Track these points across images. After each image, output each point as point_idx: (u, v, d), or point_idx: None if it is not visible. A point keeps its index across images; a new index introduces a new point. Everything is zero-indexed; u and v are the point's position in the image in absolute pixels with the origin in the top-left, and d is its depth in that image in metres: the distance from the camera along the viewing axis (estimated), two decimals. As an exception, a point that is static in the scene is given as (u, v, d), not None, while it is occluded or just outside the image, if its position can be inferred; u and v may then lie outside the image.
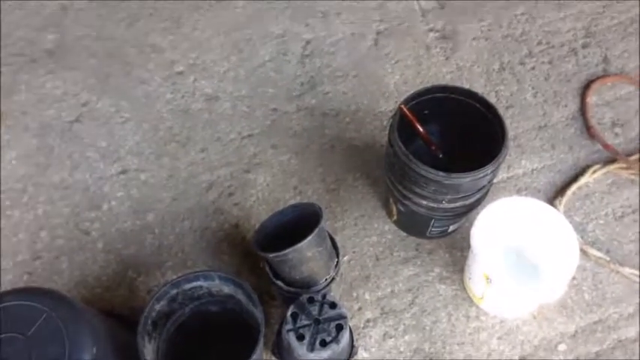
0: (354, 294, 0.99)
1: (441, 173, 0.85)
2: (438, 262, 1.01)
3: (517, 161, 1.14)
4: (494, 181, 1.07)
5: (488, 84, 1.26)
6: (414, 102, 0.94)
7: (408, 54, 1.31)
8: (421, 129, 0.94)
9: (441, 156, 0.97)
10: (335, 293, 0.97)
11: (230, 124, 1.21)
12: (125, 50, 1.32)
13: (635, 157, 1.10)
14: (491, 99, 1.23)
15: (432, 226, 0.98)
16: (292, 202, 1.07)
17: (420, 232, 1.02)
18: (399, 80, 1.27)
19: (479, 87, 1.25)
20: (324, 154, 1.16)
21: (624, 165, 1.08)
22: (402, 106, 0.91)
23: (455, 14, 1.37)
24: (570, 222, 0.90)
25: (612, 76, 1.23)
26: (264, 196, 1.10)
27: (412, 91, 0.95)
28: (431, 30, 1.35)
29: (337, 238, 0.93)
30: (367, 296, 0.99)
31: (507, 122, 1.16)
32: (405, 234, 1.05)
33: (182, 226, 1.07)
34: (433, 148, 0.97)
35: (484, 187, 0.91)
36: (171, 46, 1.33)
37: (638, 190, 1.08)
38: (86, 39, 1.34)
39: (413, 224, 1.02)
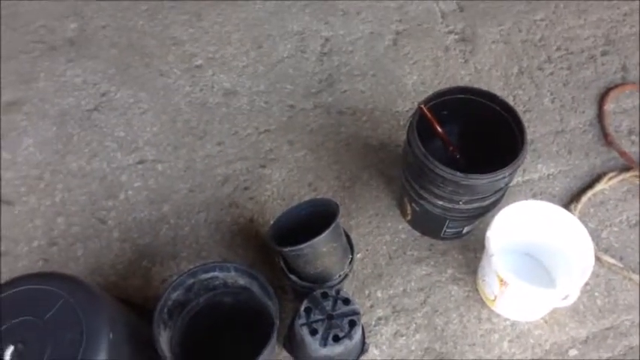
0: (367, 291, 0.99)
1: (458, 174, 0.85)
2: (451, 263, 1.02)
3: (533, 165, 1.14)
4: (510, 184, 1.08)
5: (507, 88, 1.26)
6: (433, 102, 0.94)
7: (427, 55, 1.31)
8: (440, 129, 0.94)
9: (458, 157, 0.98)
10: (347, 290, 0.97)
11: (247, 119, 1.21)
12: (145, 42, 1.33)
13: (652, 165, 1.10)
14: (510, 102, 1.23)
15: (447, 227, 0.99)
16: (307, 198, 1.08)
17: (434, 232, 1.03)
18: (416, 80, 1.27)
19: (497, 90, 1.25)
20: (340, 152, 1.16)
21: (640, 173, 1.08)
22: (422, 106, 0.91)
23: (474, 17, 1.37)
24: (585, 228, 0.90)
25: (630, 85, 1.23)
26: (279, 191, 1.11)
27: (431, 92, 0.95)
28: (450, 32, 1.35)
29: (351, 236, 0.93)
30: (379, 294, 0.99)
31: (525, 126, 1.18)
32: (418, 234, 1.05)
33: (197, 217, 1.07)
34: (451, 148, 0.97)
35: (501, 189, 0.91)
36: (192, 39, 1.33)
37: (653, 198, 1.08)
38: (107, 29, 1.35)
39: (427, 224, 1.02)
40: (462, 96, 0.96)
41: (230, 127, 1.20)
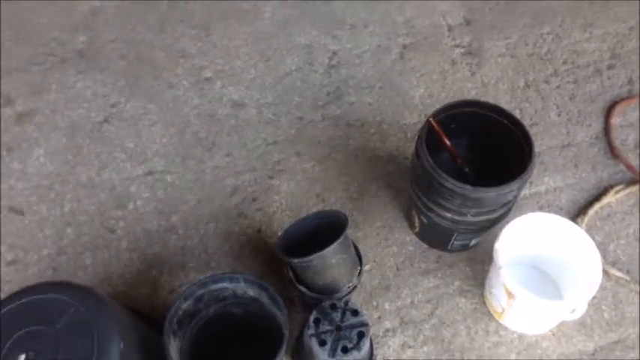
0: (374, 303, 0.99)
1: (467, 186, 0.86)
2: (458, 275, 1.02)
3: (540, 178, 1.14)
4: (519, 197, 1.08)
5: (513, 101, 1.27)
6: (442, 115, 0.95)
7: (434, 68, 1.32)
8: (448, 142, 0.95)
9: (466, 170, 0.98)
10: (355, 301, 0.97)
11: (255, 131, 1.22)
12: (155, 54, 1.34)
13: (660, 178, 1.10)
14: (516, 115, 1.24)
15: (455, 239, 0.99)
16: (315, 209, 1.08)
17: (442, 244, 1.03)
18: (423, 93, 1.28)
19: (503, 104, 1.26)
20: (348, 164, 1.17)
21: (648, 186, 1.09)
22: (431, 119, 0.92)
23: (481, 31, 1.39)
24: (592, 241, 0.90)
25: (636, 98, 1.24)
26: (288, 202, 1.11)
27: (439, 105, 0.96)
28: (457, 45, 1.36)
29: (360, 247, 0.94)
30: (387, 306, 0.99)
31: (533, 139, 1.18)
32: (426, 246, 1.06)
33: (206, 228, 1.08)
34: (459, 161, 0.98)
35: (509, 202, 0.92)
36: (200, 52, 1.35)
37: (660, 212, 1.08)
38: (117, 42, 1.37)
39: (435, 236, 1.03)
40: (470, 109, 0.97)
41: (238, 138, 1.21)
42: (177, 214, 1.10)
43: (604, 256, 1.03)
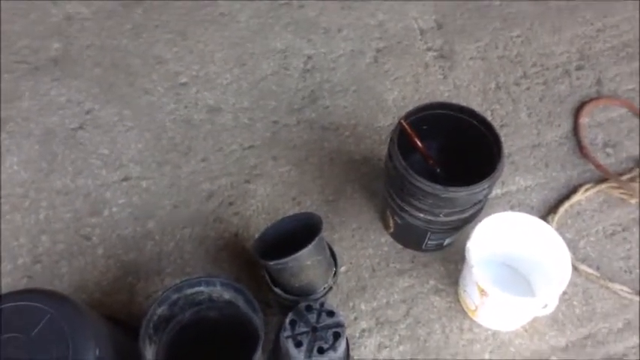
0: (350, 304, 1.01)
1: (438, 187, 0.87)
2: (433, 275, 1.03)
3: (511, 178, 1.16)
4: (489, 196, 1.10)
5: (485, 103, 1.29)
6: (413, 117, 0.96)
7: (407, 71, 1.34)
8: (420, 144, 0.97)
9: (438, 170, 1.00)
10: (332, 303, 0.98)
11: (231, 135, 1.23)
12: (129, 60, 1.34)
13: (626, 177, 1.13)
14: (487, 117, 1.26)
15: (428, 239, 1.01)
16: (291, 212, 1.09)
17: (416, 244, 1.05)
18: (397, 96, 1.30)
19: (475, 105, 1.28)
20: (323, 167, 1.18)
21: (615, 184, 1.11)
22: (402, 121, 0.94)
23: (452, 34, 1.41)
24: (562, 239, 0.92)
25: (605, 99, 1.27)
26: (264, 206, 1.12)
27: (412, 107, 0.97)
28: (429, 49, 1.39)
29: (335, 249, 0.95)
30: (363, 306, 1.00)
31: (502, 140, 1.21)
32: (401, 246, 1.07)
33: (182, 233, 1.08)
34: (431, 162, 0.99)
35: (480, 201, 0.94)
36: (176, 57, 1.35)
37: (628, 209, 1.11)
38: (91, 48, 1.36)
39: (409, 237, 1.04)
40: (441, 111, 0.98)
41: (214, 143, 1.22)
42: (153, 219, 1.10)
43: (574, 253, 1.06)
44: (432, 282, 1.03)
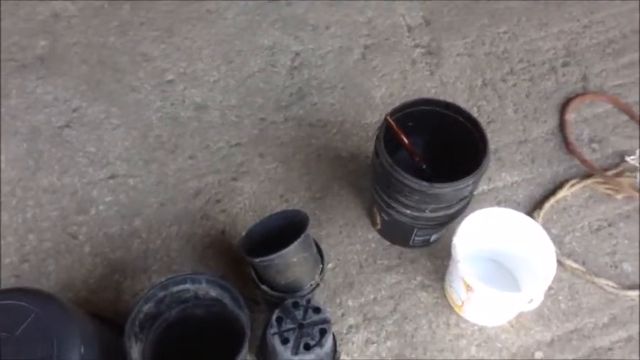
0: (338, 300, 1.01)
1: (424, 183, 0.88)
2: (420, 271, 1.04)
3: (497, 174, 1.17)
4: (475, 192, 1.11)
5: (471, 99, 1.29)
6: (400, 114, 0.97)
7: (394, 68, 1.34)
8: (406, 140, 0.97)
9: (424, 167, 1.00)
10: (319, 299, 0.98)
11: (219, 133, 1.23)
12: (116, 58, 1.34)
13: (612, 172, 1.14)
14: (474, 114, 1.26)
15: (415, 235, 1.01)
16: (279, 209, 1.08)
17: (403, 240, 1.05)
18: (384, 93, 1.30)
19: (462, 102, 1.28)
20: (311, 164, 1.18)
21: (601, 180, 1.12)
22: (388, 117, 0.94)
23: (440, 31, 1.41)
24: (548, 234, 0.93)
25: (590, 94, 1.28)
26: (251, 203, 1.12)
27: (398, 104, 0.98)
28: (417, 45, 1.39)
29: (322, 246, 0.95)
30: (350, 303, 1.01)
31: (489, 136, 1.21)
32: (388, 243, 1.07)
33: (169, 231, 1.08)
34: (417, 159, 1.00)
35: (465, 197, 0.94)
36: (163, 54, 1.35)
37: (613, 204, 1.12)
38: (78, 46, 1.36)
39: (396, 233, 1.05)
40: (427, 107, 0.99)
41: (201, 140, 1.22)
42: (140, 217, 1.10)
43: (560, 249, 1.06)
44: (419, 278, 1.03)
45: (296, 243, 0.82)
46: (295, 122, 1.25)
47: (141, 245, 1.06)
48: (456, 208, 0.94)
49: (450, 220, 0.98)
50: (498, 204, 1.12)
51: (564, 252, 1.06)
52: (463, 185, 0.88)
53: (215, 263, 1.04)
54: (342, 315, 0.99)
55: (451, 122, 0.97)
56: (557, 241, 1.07)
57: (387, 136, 0.94)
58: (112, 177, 1.15)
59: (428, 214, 0.94)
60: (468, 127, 0.96)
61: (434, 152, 1.02)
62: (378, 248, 1.07)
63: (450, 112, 0.98)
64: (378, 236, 1.08)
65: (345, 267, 1.05)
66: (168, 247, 1.06)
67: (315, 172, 1.17)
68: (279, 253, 0.81)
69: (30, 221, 1.09)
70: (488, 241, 0.98)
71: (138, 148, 1.20)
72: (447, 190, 0.89)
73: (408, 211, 0.95)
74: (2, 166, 1.16)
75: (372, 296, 1.01)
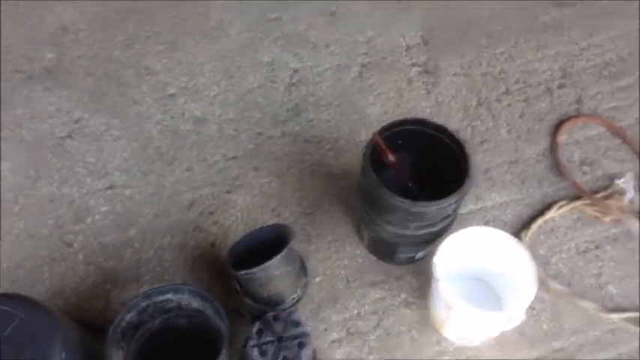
0: (322, 315, 1.03)
1: (406, 201, 0.89)
2: (404, 288, 1.05)
3: (488, 194, 1.18)
4: (463, 211, 1.12)
5: (466, 119, 1.31)
6: (388, 132, 0.99)
7: (391, 87, 1.37)
8: (392, 158, 0.99)
9: (410, 185, 1.02)
10: (303, 313, 1.00)
11: (216, 146, 1.26)
12: (121, 71, 1.38)
13: (601, 195, 1.14)
14: (467, 133, 1.28)
15: (400, 252, 1.03)
16: (270, 223, 1.11)
17: (389, 257, 1.06)
18: (379, 111, 1.32)
19: (456, 121, 1.30)
20: (304, 179, 1.20)
21: (589, 202, 1.13)
22: (376, 135, 0.96)
23: (437, 50, 1.43)
24: (535, 254, 0.94)
25: (584, 117, 1.28)
26: (243, 216, 1.15)
27: (387, 122, 1.00)
28: (414, 64, 1.41)
29: (311, 261, 0.97)
30: (334, 317, 1.02)
31: (481, 156, 1.24)
32: (375, 259, 1.09)
33: (162, 242, 1.11)
34: (403, 177, 1.02)
35: (449, 216, 0.95)
36: (165, 69, 1.38)
37: (601, 226, 1.12)
38: (84, 59, 1.40)
39: (382, 250, 1.06)
40: (415, 127, 1.01)
41: (199, 153, 1.25)
42: (135, 227, 1.13)
43: (546, 269, 1.07)
44: (403, 295, 1.05)
45: (277, 257, 0.84)
46: (291, 138, 1.28)
47: (134, 255, 1.09)
48: (440, 226, 0.96)
49: (434, 238, 0.99)
50: (486, 223, 1.13)
51: (550, 273, 1.07)
52: (445, 204, 0.90)
53: (205, 274, 1.06)
54: (325, 329, 1.01)
55: (438, 142, 0.99)
56: (544, 261, 1.08)
57: (375, 153, 0.96)
58: (110, 187, 1.18)
59: (412, 232, 0.96)
60: (453, 148, 0.98)
61: (421, 171, 1.04)
62: (365, 264, 1.09)
63: (436, 133, 0.99)
64: (366, 252, 1.10)
65: (332, 282, 1.07)
66: (160, 257, 1.08)
67: (308, 187, 1.19)
68: (260, 267, 0.84)
69: (28, 229, 1.13)
70: (471, 260, 0.99)
71: (137, 160, 1.23)
72: (429, 208, 0.90)
73: (392, 228, 0.96)
74: (7, 173, 1.20)
75: (355, 311, 1.03)
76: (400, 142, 1.01)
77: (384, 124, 1.00)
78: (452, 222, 0.99)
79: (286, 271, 0.88)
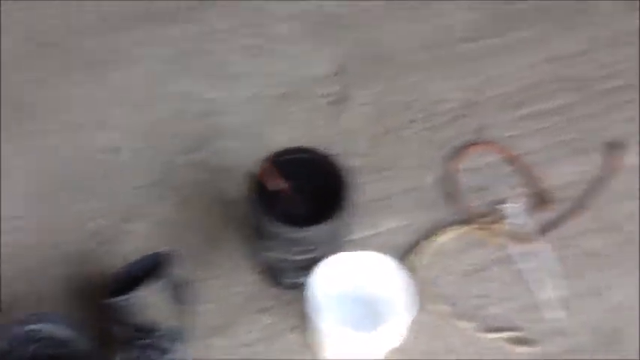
0: (209, 341, 1.03)
1: (281, 226, 0.92)
2: (291, 313, 1.07)
3: (385, 220, 1.21)
4: (358, 237, 1.15)
5: (372, 147, 1.35)
6: (278, 159, 1.02)
7: (300, 116, 1.40)
8: (281, 184, 1.01)
9: (299, 211, 1.04)
10: (190, 341, 1.01)
11: (122, 176, 1.27)
12: (30, 100, 1.38)
13: (488, 219, 1.18)
14: (373, 161, 1.32)
15: (287, 278, 1.05)
16: (164, 251, 1.12)
17: (278, 283, 1.08)
18: (288, 141, 1.34)
19: (364, 149, 1.34)
20: (206, 208, 1.22)
21: (478, 227, 1.17)
22: (264, 162, 0.99)
23: (349, 80, 1.47)
24: (423, 277, 0.99)
25: (482, 145, 1.33)
26: (140, 246, 1.15)
27: (277, 150, 1.03)
28: (326, 95, 1.45)
29: (205, 288, 0.98)
30: (220, 343, 1.04)
31: (382, 183, 1.27)
32: (267, 285, 1.11)
33: (55, 273, 1.11)
34: (292, 203, 1.04)
35: (327, 242, 0.98)
36: (76, 98, 1.40)
37: (487, 250, 1.16)
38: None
39: (271, 275, 1.08)
40: (303, 155, 1.04)
41: (105, 182, 1.26)
42: (31, 259, 1.13)
43: (433, 291, 1.10)
44: (290, 320, 1.06)
45: (148, 285, 0.86)
46: (199, 167, 1.30)
47: (25, 287, 1.09)
48: (319, 252, 0.98)
49: (315, 264, 1.01)
50: (380, 248, 1.14)
51: (436, 294, 1.10)
52: (320, 230, 0.93)
53: (88, 304, 1.06)
54: (211, 357, 1.02)
55: (326, 170, 1.02)
56: (432, 283, 1.11)
57: (264, 179, 0.99)
58: (9, 218, 1.18)
59: (294, 257, 0.98)
60: (339, 175, 1.01)
61: (313, 199, 1.06)
62: (257, 290, 1.10)
63: (323, 161, 1.03)
64: (259, 278, 1.12)
65: (224, 309, 1.08)
66: (48, 289, 1.09)
67: (210, 216, 1.21)
68: (129, 295, 0.85)
69: None
70: (351, 283, 1.01)
71: (42, 190, 1.24)
72: (305, 233, 0.93)
73: (275, 254, 0.99)
74: None
75: (243, 338, 1.04)
76: (290, 169, 1.03)
77: (276, 150, 1.03)
78: (336, 247, 1.01)
79: (161, 299, 0.89)
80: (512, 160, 1.31)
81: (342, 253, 0.99)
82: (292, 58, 1.51)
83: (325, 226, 0.93)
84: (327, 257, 1.00)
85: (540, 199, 1.24)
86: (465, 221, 1.19)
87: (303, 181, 1.03)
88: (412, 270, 1.11)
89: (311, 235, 0.94)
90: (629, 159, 1.32)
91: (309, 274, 1.04)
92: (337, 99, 1.44)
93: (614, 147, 1.33)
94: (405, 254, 1.15)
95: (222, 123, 1.38)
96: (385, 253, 1.08)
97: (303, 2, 1.62)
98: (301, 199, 1.04)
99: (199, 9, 1.57)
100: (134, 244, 1.16)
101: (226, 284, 1.11)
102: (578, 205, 1.23)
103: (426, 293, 1.08)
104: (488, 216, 1.20)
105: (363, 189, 1.24)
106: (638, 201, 1.25)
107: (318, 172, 1.02)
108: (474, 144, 1.34)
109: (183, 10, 1.58)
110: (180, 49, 1.51)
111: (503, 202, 1.22)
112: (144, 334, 0.90)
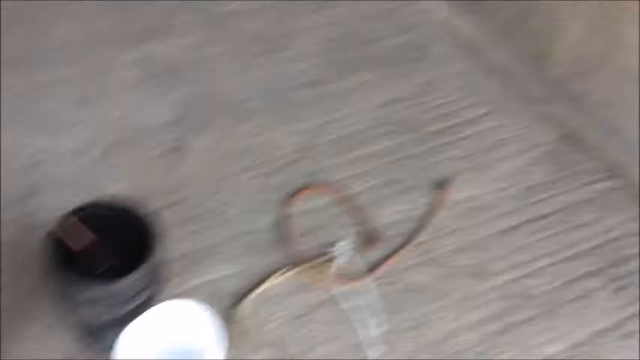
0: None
1: (76, 285, 0.89)
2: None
3: (215, 267, 1.21)
4: (187, 287, 1.14)
5: (208, 194, 1.35)
6: (81, 213, 0.99)
7: (136, 165, 1.38)
8: (88, 241, 0.98)
9: (101, 267, 1.01)
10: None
11: None
12: None
13: (316, 262, 1.21)
14: (210, 207, 1.32)
15: (103, 337, 1.00)
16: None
17: (97, 342, 1.04)
18: (121, 190, 1.32)
19: (202, 198, 1.34)
20: (21, 266, 1.16)
21: (306, 269, 1.19)
22: (66, 218, 0.95)
23: (187, 128, 1.48)
24: (251, 323, 1.01)
25: (314, 188, 1.37)
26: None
27: (82, 204, 1.00)
28: (163, 142, 1.44)
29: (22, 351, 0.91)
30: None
31: (214, 230, 1.27)
32: (86, 345, 1.06)
33: None
34: (101, 258, 1.01)
35: (135, 298, 0.95)
36: None
37: (315, 292, 1.18)
38: None
39: (88, 335, 1.04)
40: (111, 209, 1.02)
41: None
42: None
43: (261, 336, 1.10)
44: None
45: None
46: (23, 224, 1.23)
47: None
48: (128, 308, 0.95)
49: (130, 319, 0.98)
50: (209, 297, 1.14)
51: (264, 340, 1.10)
52: (124, 287, 0.90)
53: None
54: None
55: (134, 223, 1.00)
56: (260, 329, 1.11)
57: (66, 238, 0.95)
58: None
59: (103, 316, 0.95)
60: (147, 230, 0.99)
61: (123, 252, 1.03)
62: (72, 352, 1.05)
63: (131, 215, 1.01)
64: (76, 339, 1.07)
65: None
66: None
67: (23, 274, 1.15)
68: None
69: None
70: (162, 337, 0.98)
71: None
72: (100, 292, 0.90)
73: (85, 312, 0.95)
74: None
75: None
76: (96, 224, 1.00)
77: (79, 205, 1.00)
78: (146, 303, 0.98)
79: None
80: (343, 202, 1.35)
81: (155, 306, 0.96)
82: (125, 107, 1.50)
83: (128, 280, 0.90)
84: (139, 314, 0.97)
85: (368, 238, 1.29)
86: (294, 265, 1.21)
87: (112, 235, 1.00)
88: (239, 318, 1.11)
89: (118, 289, 0.91)
90: (455, 195, 1.40)
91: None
92: (173, 147, 1.44)
93: (440, 184, 1.42)
94: (234, 302, 1.15)
95: (49, 175, 1.33)
96: (214, 301, 1.10)
97: (142, 51, 1.62)
98: (111, 253, 1.01)
99: (35, 57, 1.53)
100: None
101: (39, 347, 1.05)
102: (405, 242, 1.29)
103: (252, 341, 1.08)
104: (317, 258, 1.22)
105: (192, 238, 1.25)
106: (464, 235, 1.32)
107: (126, 225, 0.99)
108: (306, 188, 1.37)
109: (14, 59, 1.53)
110: (4, 98, 1.45)
111: (333, 243, 1.25)
112: None
